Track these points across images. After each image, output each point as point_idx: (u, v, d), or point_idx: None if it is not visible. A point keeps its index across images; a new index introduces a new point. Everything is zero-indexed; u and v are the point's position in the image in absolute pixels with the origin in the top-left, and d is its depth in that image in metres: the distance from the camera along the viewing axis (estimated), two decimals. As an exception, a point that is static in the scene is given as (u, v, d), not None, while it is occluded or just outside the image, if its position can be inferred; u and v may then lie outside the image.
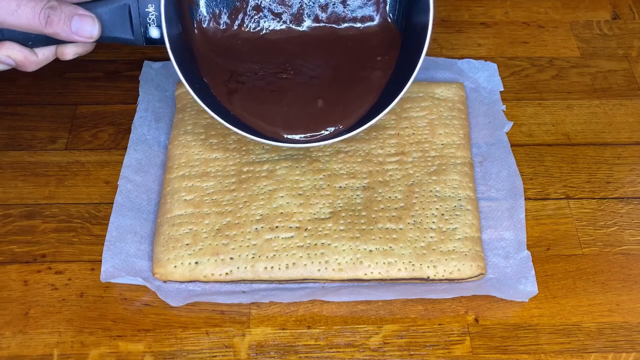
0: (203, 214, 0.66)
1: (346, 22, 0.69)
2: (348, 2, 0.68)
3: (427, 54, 0.82)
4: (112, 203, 0.68)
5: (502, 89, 0.79)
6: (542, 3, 0.90)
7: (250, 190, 0.68)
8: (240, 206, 0.67)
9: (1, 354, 0.60)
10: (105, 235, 0.66)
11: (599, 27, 0.87)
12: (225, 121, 0.64)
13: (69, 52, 0.62)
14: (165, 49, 0.62)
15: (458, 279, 0.64)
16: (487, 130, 0.75)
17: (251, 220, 0.66)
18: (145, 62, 0.80)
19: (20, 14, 0.56)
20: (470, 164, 0.71)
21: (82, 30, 0.59)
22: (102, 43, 0.62)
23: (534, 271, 0.64)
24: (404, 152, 0.71)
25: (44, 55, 0.61)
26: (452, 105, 0.75)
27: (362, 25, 0.68)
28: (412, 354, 0.60)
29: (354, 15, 0.69)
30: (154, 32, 0.61)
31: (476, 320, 0.62)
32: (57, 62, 0.79)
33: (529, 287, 0.63)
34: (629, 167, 0.73)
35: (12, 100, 0.78)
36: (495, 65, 0.81)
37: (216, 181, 0.69)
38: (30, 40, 0.60)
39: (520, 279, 0.64)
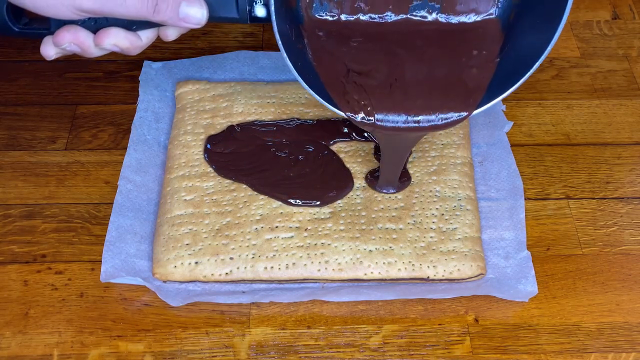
0: (203, 214, 0.66)
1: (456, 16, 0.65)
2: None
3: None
4: (112, 203, 0.68)
5: (502, 89, 0.79)
6: (542, 3, 0.90)
7: (250, 190, 0.68)
8: (240, 206, 0.67)
9: (1, 354, 0.60)
10: (105, 235, 0.66)
11: (599, 27, 0.87)
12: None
13: (171, 34, 0.61)
14: (272, 27, 0.58)
15: (458, 279, 0.64)
16: (487, 130, 0.75)
17: (251, 220, 0.66)
18: (145, 62, 0.80)
19: (128, 4, 0.56)
20: (470, 164, 0.71)
21: (190, 17, 0.58)
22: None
23: (534, 271, 0.64)
24: (404, 152, 0.71)
25: (147, 38, 0.61)
26: (452, 105, 0.75)
27: (470, 20, 0.65)
28: (412, 354, 0.60)
29: (464, 9, 0.65)
30: (259, 11, 0.60)
31: (476, 320, 0.62)
32: (57, 62, 0.79)
33: (529, 287, 0.63)
34: (629, 167, 0.73)
35: (12, 100, 0.78)
36: (495, 65, 0.81)
37: (216, 181, 0.69)
38: (135, 24, 0.59)
39: (520, 279, 0.64)
